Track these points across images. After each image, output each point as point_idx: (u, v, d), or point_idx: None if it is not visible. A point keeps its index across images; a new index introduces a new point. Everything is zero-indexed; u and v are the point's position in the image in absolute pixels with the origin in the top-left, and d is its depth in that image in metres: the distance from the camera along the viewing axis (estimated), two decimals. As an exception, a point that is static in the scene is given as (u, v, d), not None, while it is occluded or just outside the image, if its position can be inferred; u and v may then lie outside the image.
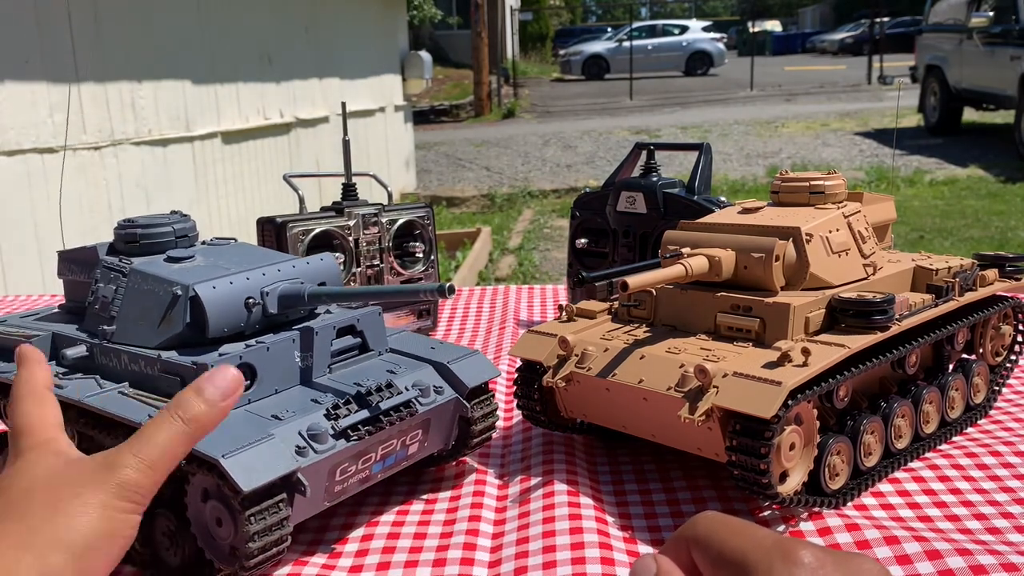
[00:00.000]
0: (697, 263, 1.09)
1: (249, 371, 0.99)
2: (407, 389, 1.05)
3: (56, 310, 1.22)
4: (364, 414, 0.98)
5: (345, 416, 0.97)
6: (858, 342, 1.04)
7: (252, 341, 1.01)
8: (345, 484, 1.00)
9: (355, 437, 0.97)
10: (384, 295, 1.05)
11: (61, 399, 1.00)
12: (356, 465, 1.00)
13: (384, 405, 1.00)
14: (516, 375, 1.23)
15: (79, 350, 1.05)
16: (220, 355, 0.97)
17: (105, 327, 1.04)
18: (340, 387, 1.03)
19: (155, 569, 0.99)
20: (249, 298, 1.01)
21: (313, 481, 0.93)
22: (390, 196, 1.82)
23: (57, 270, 1.19)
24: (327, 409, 0.97)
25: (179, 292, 0.99)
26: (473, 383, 1.11)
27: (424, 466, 1.20)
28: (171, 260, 1.06)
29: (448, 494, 1.15)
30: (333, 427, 0.96)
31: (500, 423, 1.37)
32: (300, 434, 0.93)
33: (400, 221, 1.72)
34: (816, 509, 1.04)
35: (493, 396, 1.16)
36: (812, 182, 1.19)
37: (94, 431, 1.00)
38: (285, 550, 0.92)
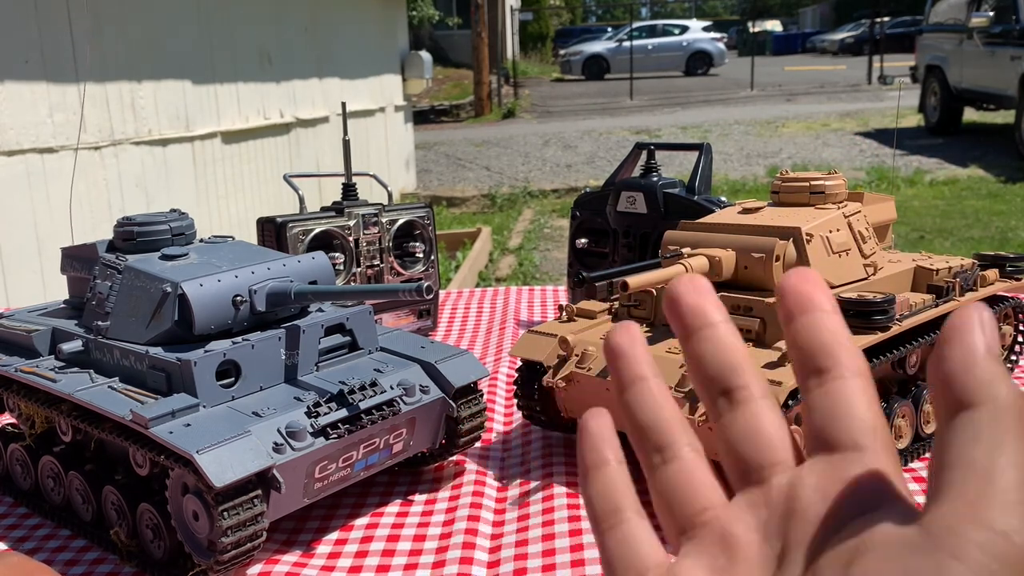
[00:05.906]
0: (697, 263, 1.09)
1: (234, 368, 0.99)
2: (391, 388, 1.05)
3: (62, 305, 1.23)
4: (344, 413, 0.98)
5: (325, 414, 0.97)
6: (858, 342, 1.04)
7: (238, 338, 1.02)
8: (325, 482, 1.00)
9: (334, 435, 0.97)
10: (365, 294, 1.07)
11: (55, 393, 1.01)
12: (337, 463, 1.00)
13: (366, 404, 1.00)
14: (516, 375, 1.23)
15: (74, 345, 1.06)
16: (206, 351, 0.98)
17: (100, 323, 1.05)
18: (324, 385, 1.03)
19: (140, 560, 1.00)
20: (237, 296, 1.02)
21: (290, 478, 0.93)
22: (390, 196, 1.82)
23: (60, 266, 1.20)
24: (308, 407, 0.97)
25: (168, 289, 1.00)
26: (460, 383, 1.11)
27: (414, 465, 1.20)
28: (165, 258, 1.06)
29: (448, 494, 1.14)
30: (312, 425, 0.95)
31: (500, 423, 1.37)
32: (279, 431, 0.94)
33: (400, 221, 1.72)
34: (816, 510, 1.03)
35: (482, 396, 1.16)
36: (812, 182, 1.19)
37: (85, 424, 1.01)
38: (260, 546, 0.92)
